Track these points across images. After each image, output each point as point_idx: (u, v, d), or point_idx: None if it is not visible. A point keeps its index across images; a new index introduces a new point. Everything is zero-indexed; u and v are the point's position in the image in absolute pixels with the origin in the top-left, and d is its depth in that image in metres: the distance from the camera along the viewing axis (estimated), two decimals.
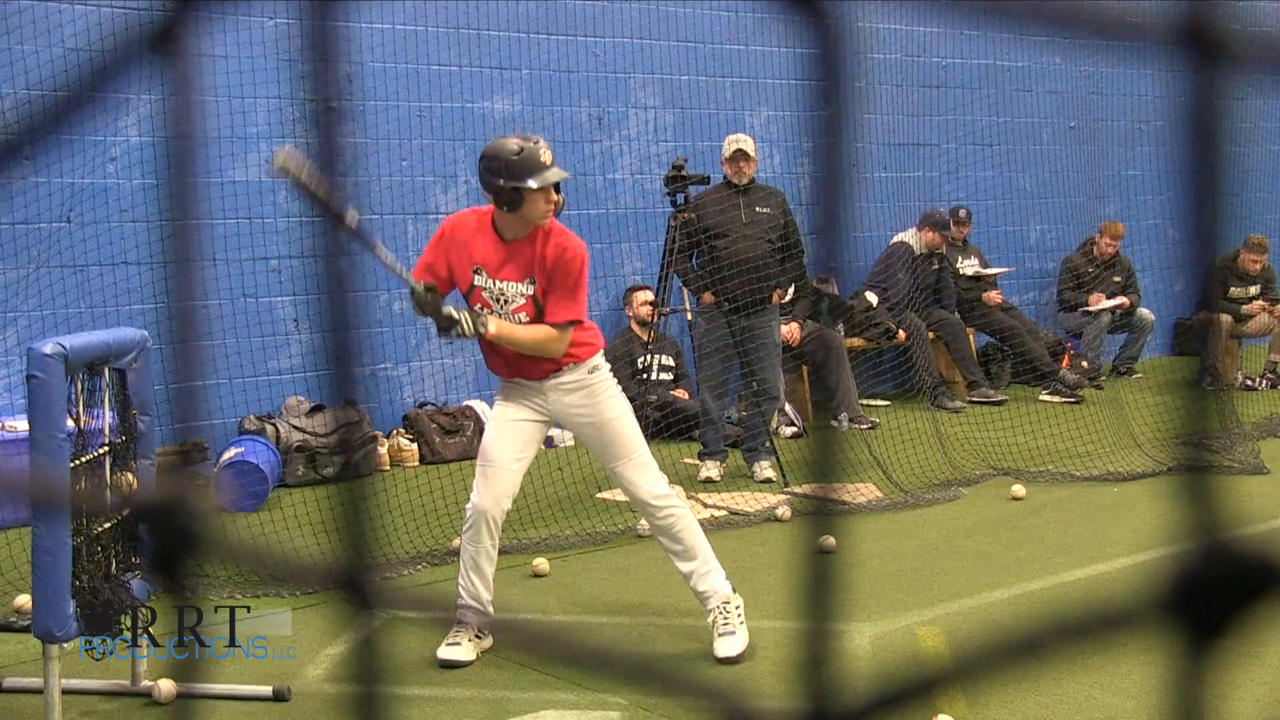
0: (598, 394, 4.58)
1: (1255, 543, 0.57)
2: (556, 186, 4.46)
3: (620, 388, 4.70)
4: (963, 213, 10.68)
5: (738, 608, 4.61)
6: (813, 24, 0.59)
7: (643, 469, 4.60)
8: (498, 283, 4.48)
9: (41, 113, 0.80)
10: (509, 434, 4.60)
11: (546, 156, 4.41)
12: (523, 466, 4.64)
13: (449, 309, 4.34)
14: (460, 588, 4.60)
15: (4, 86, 6.85)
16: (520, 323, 4.49)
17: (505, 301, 4.49)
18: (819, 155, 0.62)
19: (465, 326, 4.33)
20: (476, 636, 4.58)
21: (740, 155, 7.59)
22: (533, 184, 4.35)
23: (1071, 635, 0.59)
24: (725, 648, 4.56)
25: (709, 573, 4.61)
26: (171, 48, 0.70)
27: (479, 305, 4.50)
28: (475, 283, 4.49)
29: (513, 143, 4.45)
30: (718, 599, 4.60)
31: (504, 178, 4.36)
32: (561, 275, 4.44)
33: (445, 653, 4.53)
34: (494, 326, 4.39)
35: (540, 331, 4.46)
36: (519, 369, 4.58)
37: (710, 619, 4.61)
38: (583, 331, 4.59)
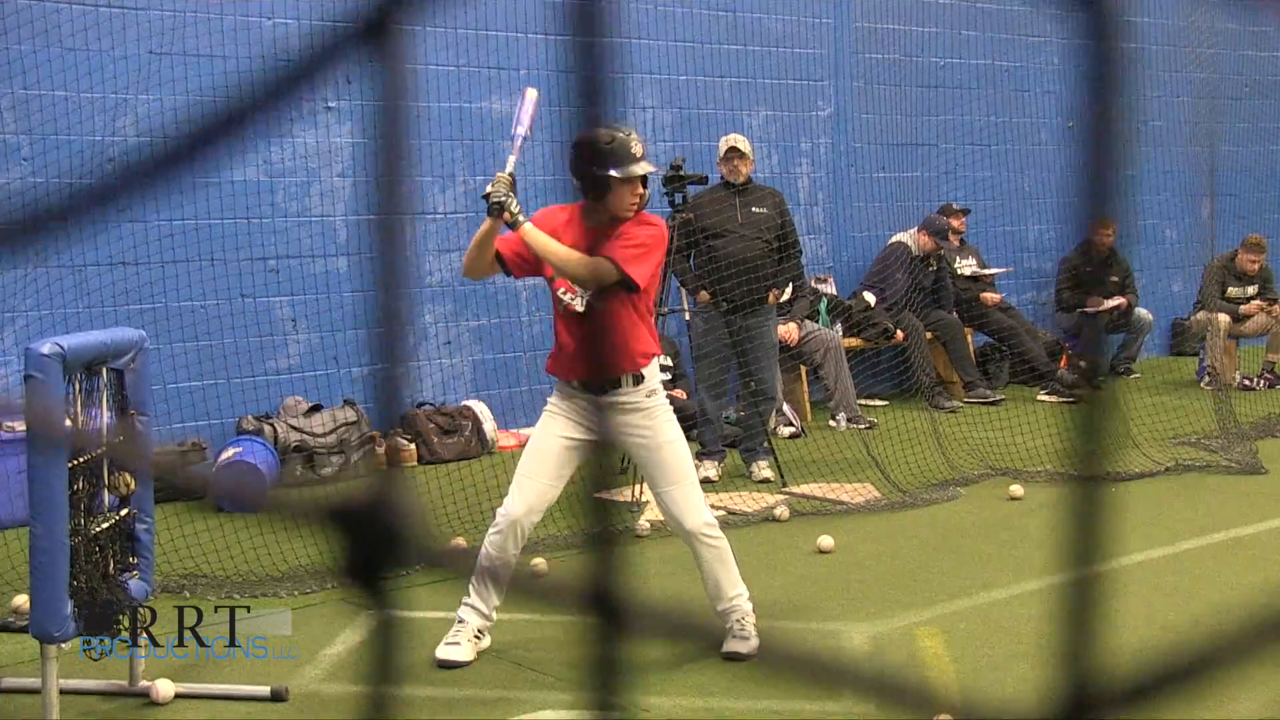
0: (655, 417, 4.57)
1: None
2: (644, 181, 4.49)
3: (674, 414, 4.68)
4: (956, 205, 10.67)
5: (753, 623, 4.65)
6: (1086, 15, 0.57)
7: (692, 494, 4.58)
8: None
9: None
10: (555, 450, 4.55)
11: (638, 150, 4.47)
12: (563, 483, 4.60)
13: (513, 200, 4.35)
14: (470, 588, 4.57)
15: (3, 86, 6.84)
16: (592, 304, 4.48)
17: (583, 292, 4.49)
18: (1091, 141, 0.61)
19: (512, 204, 4.33)
20: (476, 637, 4.58)
21: (734, 153, 7.59)
22: (616, 173, 4.39)
23: (1266, 638, 0.57)
24: (736, 645, 4.59)
25: (736, 596, 4.63)
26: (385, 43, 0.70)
27: (562, 290, 4.52)
28: (556, 273, 4.49)
29: (604, 132, 4.47)
30: (738, 614, 4.64)
31: (594, 165, 4.40)
32: (631, 232, 4.45)
33: (444, 652, 4.53)
34: (528, 225, 4.37)
35: (578, 254, 4.38)
36: (579, 368, 4.52)
37: (727, 624, 4.64)
38: (649, 335, 4.60)
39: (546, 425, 4.61)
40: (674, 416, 4.67)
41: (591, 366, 4.50)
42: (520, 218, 4.35)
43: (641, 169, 4.45)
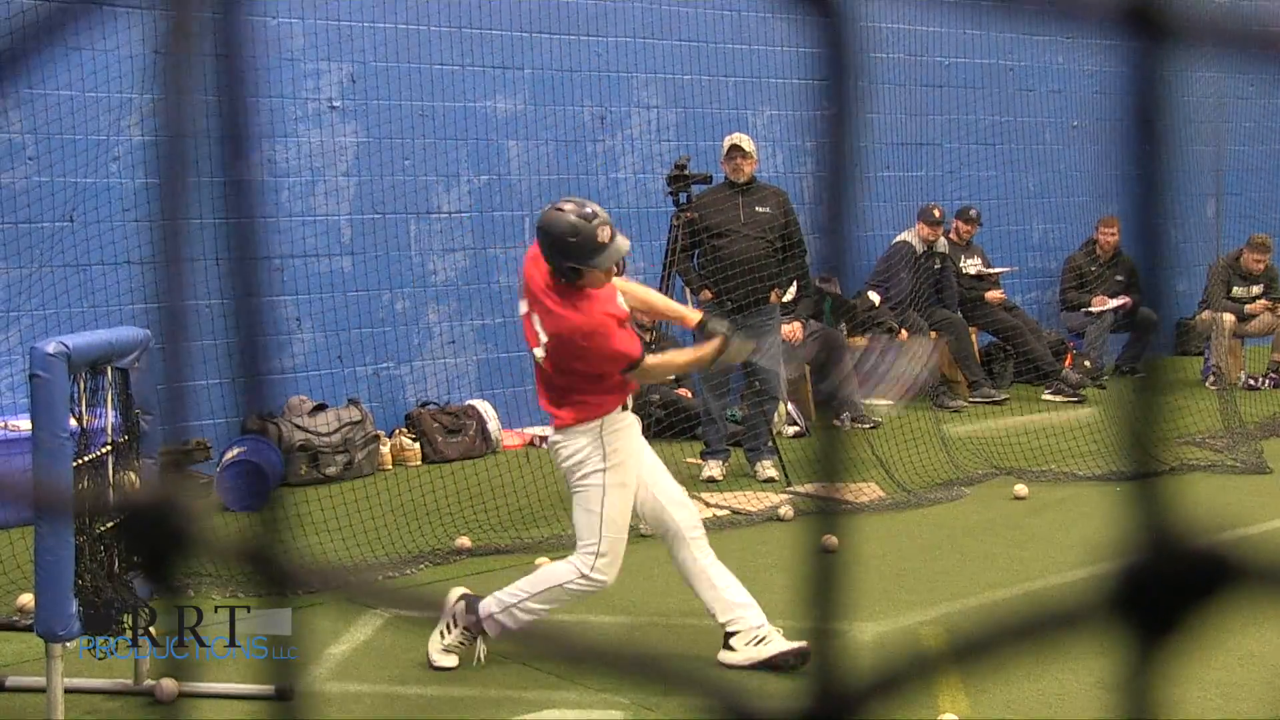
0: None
1: (1205, 543, 0.57)
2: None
3: None
4: (973, 212, 10.70)
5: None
6: (823, 23, 0.59)
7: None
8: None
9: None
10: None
11: (604, 234, 4.25)
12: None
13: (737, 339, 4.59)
14: (523, 606, 4.47)
15: (8, 86, 6.84)
16: None
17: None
18: (823, 154, 0.62)
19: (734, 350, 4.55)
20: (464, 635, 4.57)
21: (736, 152, 7.57)
22: (596, 265, 4.28)
23: (1022, 635, 0.59)
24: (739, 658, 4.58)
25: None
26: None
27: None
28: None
29: (568, 220, 4.25)
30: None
31: (569, 260, 4.25)
32: None
33: (439, 660, 4.54)
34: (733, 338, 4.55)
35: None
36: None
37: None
38: None
39: (629, 477, 4.49)
40: None
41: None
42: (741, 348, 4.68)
43: (617, 253, 4.31)
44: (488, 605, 4.45)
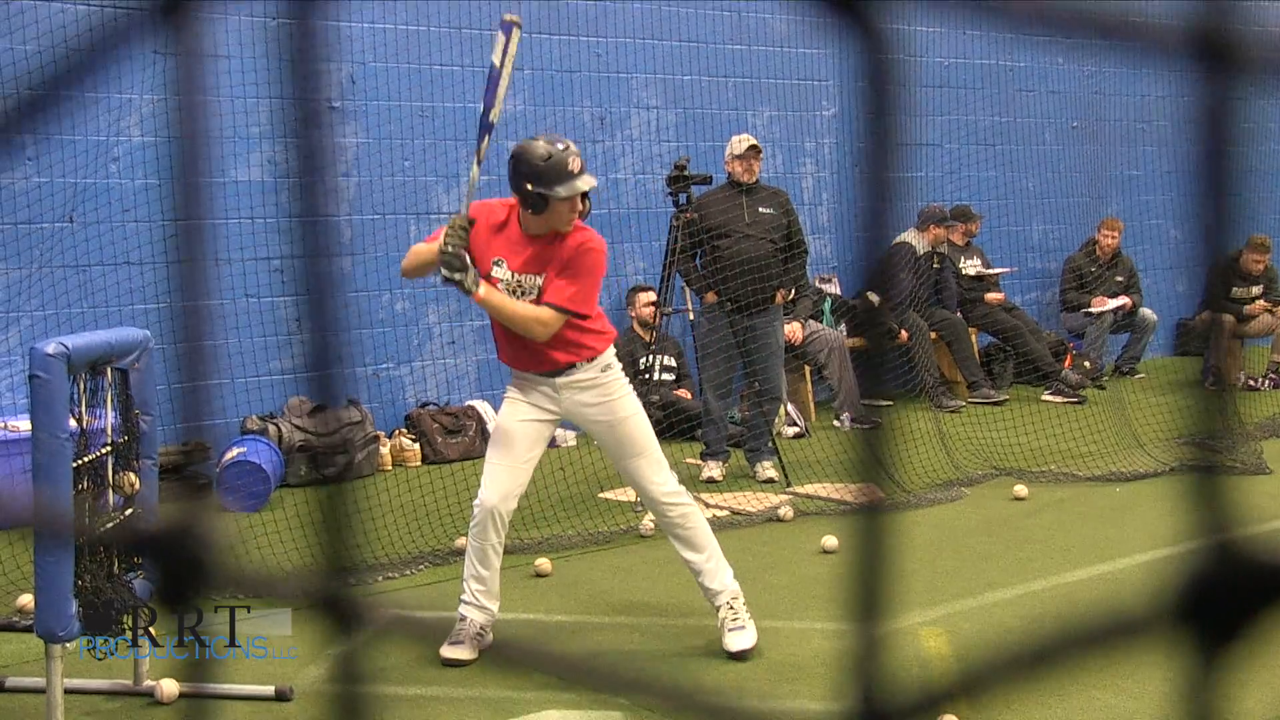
0: (611, 392, 4.59)
1: (1265, 544, 0.57)
2: (584, 194, 4.45)
3: (631, 386, 4.72)
4: (973, 210, 10.71)
5: (744, 603, 4.66)
6: (859, 31, 0.58)
7: (655, 467, 4.62)
8: (516, 275, 4.49)
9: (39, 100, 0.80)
10: (518, 433, 4.61)
11: (575, 164, 4.39)
12: (531, 465, 4.65)
13: (466, 257, 4.38)
14: (467, 585, 4.61)
15: (6, 87, 6.85)
16: None
17: (522, 293, 4.49)
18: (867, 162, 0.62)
19: (468, 280, 4.34)
20: (478, 635, 4.58)
21: (752, 152, 7.56)
22: (561, 192, 4.37)
23: (1083, 643, 0.58)
24: (738, 641, 4.60)
25: (718, 570, 4.65)
26: (178, 23, 0.70)
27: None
28: (494, 273, 4.50)
29: (541, 148, 4.41)
30: (727, 595, 4.64)
31: (530, 182, 4.36)
32: (574, 265, 4.45)
33: (448, 651, 4.53)
34: (484, 290, 4.39)
35: (530, 310, 4.44)
36: (528, 361, 4.58)
37: (720, 615, 4.65)
38: (594, 325, 4.58)
39: (508, 410, 4.67)
40: (631, 390, 4.69)
41: (535, 363, 4.55)
42: (476, 287, 4.35)
43: (583, 185, 4.40)
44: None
